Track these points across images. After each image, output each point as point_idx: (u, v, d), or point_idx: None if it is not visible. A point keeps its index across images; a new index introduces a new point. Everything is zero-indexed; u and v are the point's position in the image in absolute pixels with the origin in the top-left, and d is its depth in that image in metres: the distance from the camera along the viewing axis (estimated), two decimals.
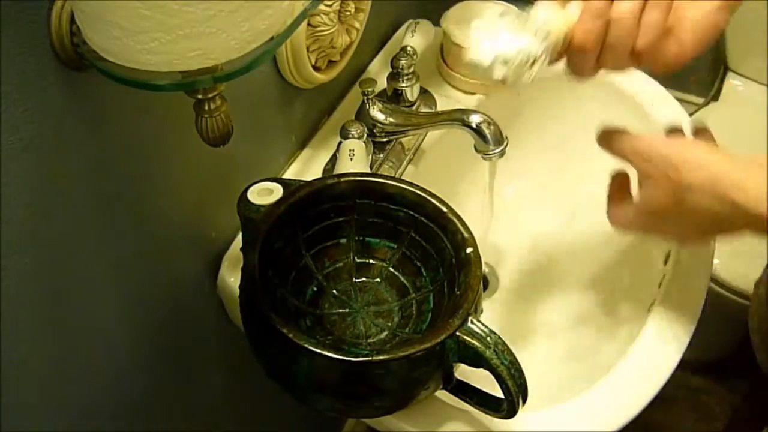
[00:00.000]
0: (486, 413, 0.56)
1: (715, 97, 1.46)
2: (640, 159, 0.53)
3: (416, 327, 0.60)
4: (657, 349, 0.63)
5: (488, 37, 0.49)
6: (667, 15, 0.49)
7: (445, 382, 0.54)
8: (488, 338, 0.51)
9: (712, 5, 0.50)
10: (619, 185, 0.58)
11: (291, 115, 0.76)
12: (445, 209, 0.58)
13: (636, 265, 0.78)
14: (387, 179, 0.61)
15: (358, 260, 0.64)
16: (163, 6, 0.36)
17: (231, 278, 0.69)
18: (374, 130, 0.77)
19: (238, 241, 0.71)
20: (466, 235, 0.57)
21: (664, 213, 0.52)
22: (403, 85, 0.80)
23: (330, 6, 0.68)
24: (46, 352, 0.53)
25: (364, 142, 0.72)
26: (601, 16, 0.48)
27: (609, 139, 0.55)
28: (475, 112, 0.67)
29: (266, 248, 0.55)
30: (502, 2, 0.88)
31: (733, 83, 1.45)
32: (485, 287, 0.84)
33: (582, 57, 0.50)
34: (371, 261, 0.64)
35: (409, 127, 0.75)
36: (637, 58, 0.51)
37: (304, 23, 0.66)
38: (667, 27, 0.50)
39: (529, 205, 0.88)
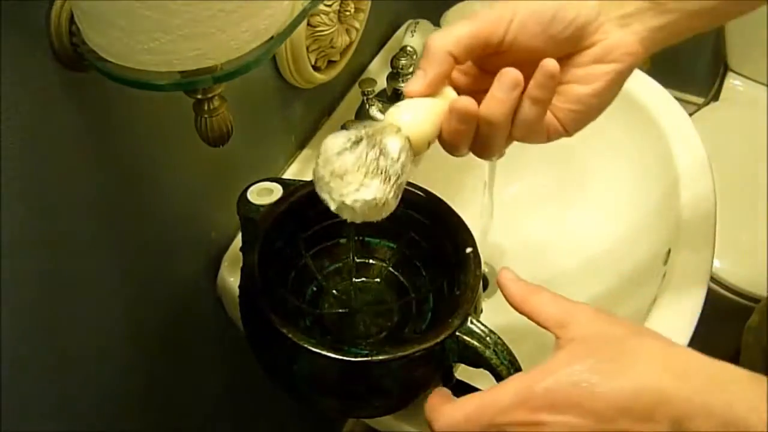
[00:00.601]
0: None
1: (715, 97, 1.45)
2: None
3: (416, 327, 0.60)
4: None
5: (333, 177, 0.43)
6: (547, 109, 0.44)
7: (445, 382, 0.54)
8: (488, 338, 0.51)
9: (604, 82, 0.44)
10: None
11: (291, 115, 0.76)
12: (445, 209, 0.58)
13: (635, 265, 0.78)
14: None
15: (358, 260, 0.64)
16: (163, 6, 0.36)
17: (231, 278, 0.70)
18: None
19: (238, 241, 0.71)
20: (465, 235, 0.57)
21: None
22: (403, 85, 0.80)
23: (330, 6, 0.68)
24: (47, 352, 0.53)
25: None
26: (470, 119, 0.44)
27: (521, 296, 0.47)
28: None
29: (266, 248, 0.55)
30: None
31: (733, 83, 1.45)
32: (485, 287, 0.84)
33: (451, 148, 0.46)
34: (371, 261, 0.64)
35: None
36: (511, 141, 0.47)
37: (304, 23, 0.66)
38: (549, 114, 0.45)
39: (529, 205, 0.88)
